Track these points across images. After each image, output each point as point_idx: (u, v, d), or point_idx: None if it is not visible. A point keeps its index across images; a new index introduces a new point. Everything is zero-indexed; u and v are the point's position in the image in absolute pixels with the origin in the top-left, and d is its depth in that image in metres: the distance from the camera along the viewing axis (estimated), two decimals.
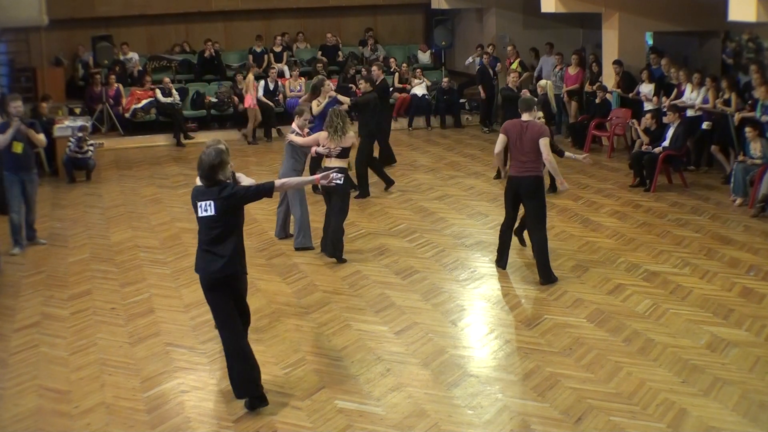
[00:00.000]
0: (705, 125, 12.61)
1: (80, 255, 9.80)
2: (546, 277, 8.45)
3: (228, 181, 5.97)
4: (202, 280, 6.01)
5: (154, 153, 15.57)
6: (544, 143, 8.27)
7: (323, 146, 9.10)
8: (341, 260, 9.19)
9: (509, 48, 17.24)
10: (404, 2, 20.38)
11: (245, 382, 6.02)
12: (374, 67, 13.46)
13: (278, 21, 19.72)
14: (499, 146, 8.76)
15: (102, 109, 16.26)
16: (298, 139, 9.38)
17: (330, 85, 11.87)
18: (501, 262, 8.88)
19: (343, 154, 9.11)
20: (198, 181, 6.08)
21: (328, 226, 9.28)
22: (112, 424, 5.93)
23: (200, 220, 5.95)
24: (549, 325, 7.45)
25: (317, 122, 10.89)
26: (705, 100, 12.62)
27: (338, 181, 8.73)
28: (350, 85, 16.64)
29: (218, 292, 5.94)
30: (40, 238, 10.24)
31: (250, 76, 16.45)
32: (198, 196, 5.95)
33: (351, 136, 9.12)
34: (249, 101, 16.21)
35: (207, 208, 5.87)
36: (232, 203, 5.87)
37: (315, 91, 11.38)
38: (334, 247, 9.20)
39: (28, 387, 6.51)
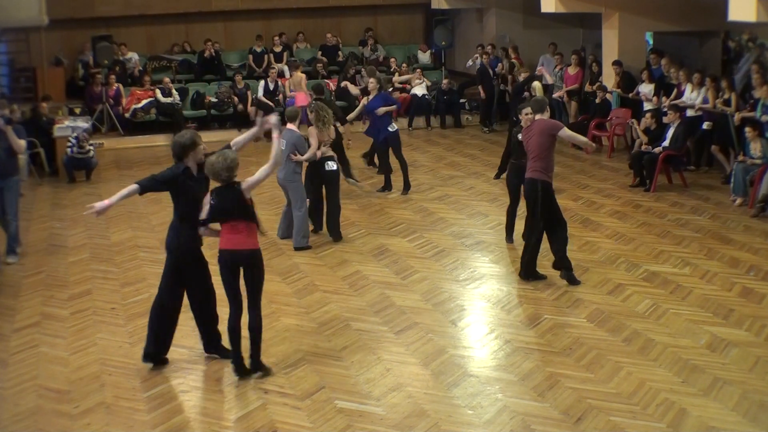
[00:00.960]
0: (705, 125, 12.61)
1: (80, 255, 9.80)
2: (527, 273, 8.50)
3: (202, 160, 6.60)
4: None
5: (154, 153, 15.54)
6: (565, 135, 8.34)
7: (322, 142, 9.56)
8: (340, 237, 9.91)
9: (509, 50, 17.23)
10: (404, 2, 20.38)
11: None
12: (371, 80, 13.34)
13: (278, 21, 19.71)
14: None
15: (102, 109, 16.25)
16: (310, 154, 9.53)
17: (373, 82, 12.22)
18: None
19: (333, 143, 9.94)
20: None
21: (327, 212, 9.86)
22: (112, 424, 5.94)
23: None
24: (549, 325, 7.45)
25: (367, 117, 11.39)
26: (705, 100, 12.62)
27: (333, 169, 9.75)
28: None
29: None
30: (14, 255, 9.45)
31: (299, 74, 16.10)
32: None
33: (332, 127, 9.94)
34: (301, 99, 15.54)
35: None
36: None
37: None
38: (338, 227, 9.90)
39: (28, 387, 6.51)
